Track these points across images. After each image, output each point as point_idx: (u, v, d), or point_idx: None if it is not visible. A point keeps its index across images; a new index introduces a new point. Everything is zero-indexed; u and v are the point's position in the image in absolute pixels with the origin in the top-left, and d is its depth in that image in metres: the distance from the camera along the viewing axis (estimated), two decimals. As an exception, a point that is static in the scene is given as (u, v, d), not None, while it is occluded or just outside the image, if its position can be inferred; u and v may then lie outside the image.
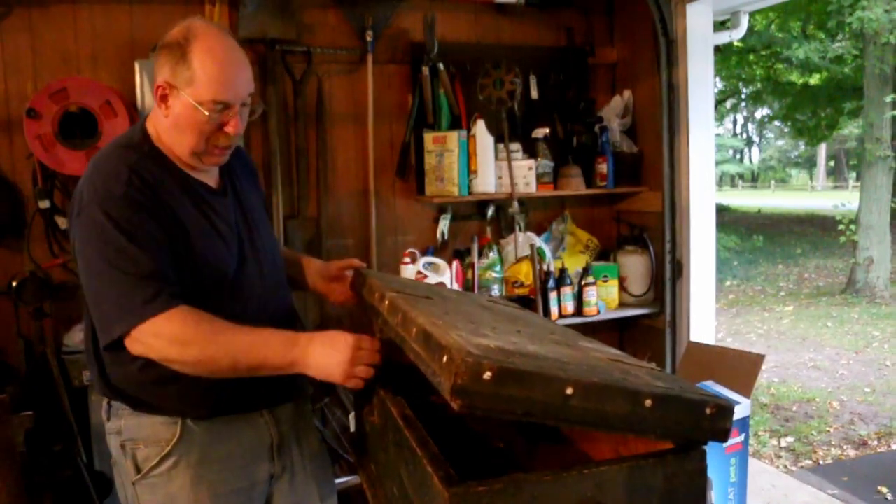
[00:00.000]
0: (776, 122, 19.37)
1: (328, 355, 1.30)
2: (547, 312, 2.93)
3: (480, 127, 2.92)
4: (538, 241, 3.09)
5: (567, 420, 0.88)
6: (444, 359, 0.86)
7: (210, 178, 1.47)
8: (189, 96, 1.32)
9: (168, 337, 1.26)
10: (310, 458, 1.61)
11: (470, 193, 2.93)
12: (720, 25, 3.31)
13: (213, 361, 1.28)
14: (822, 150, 27.30)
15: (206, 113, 1.33)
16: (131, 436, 1.41)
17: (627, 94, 3.27)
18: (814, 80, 11.62)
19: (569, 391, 0.86)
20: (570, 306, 3.02)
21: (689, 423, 0.94)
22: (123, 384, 1.39)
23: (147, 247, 1.28)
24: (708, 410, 0.94)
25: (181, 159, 1.41)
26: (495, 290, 2.94)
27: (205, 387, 1.36)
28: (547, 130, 3.14)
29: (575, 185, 3.14)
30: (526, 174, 3.02)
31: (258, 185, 1.69)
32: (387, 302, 1.26)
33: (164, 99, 1.36)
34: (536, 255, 2.90)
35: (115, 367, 1.38)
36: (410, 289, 1.47)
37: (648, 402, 0.90)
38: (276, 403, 1.53)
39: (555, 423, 0.88)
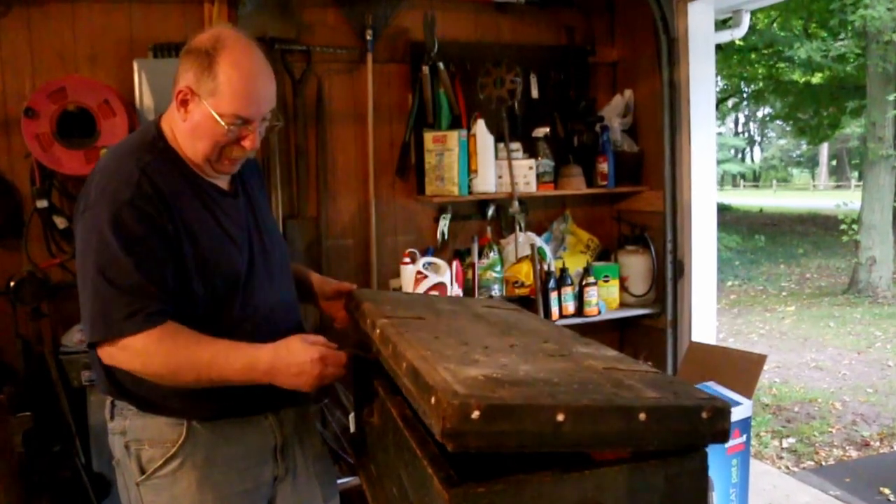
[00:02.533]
0: (778, 122, 19.35)
1: (293, 374, 1.32)
2: (548, 312, 2.92)
3: (480, 126, 2.91)
4: (539, 241, 3.08)
5: (563, 446, 0.87)
6: (432, 400, 0.86)
7: (222, 180, 1.47)
8: (210, 107, 1.32)
9: (135, 352, 1.27)
10: (313, 459, 1.61)
11: (470, 193, 2.92)
12: (721, 24, 3.30)
13: (175, 375, 1.30)
14: (824, 149, 27.27)
15: (226, 126, 1.33)
16: (136, 436, 1.40)
17: (628, 93, 3.26)
18: (816, 78, 11.60)
19: (560, 418, 0.85)
20: (570, 306, 3.01)
21: (686, 431, 0.93)
22: (129, 384, 1.38)
23: (142, 260, 1.27)
24: (704, 415, 0.93)
25: (194, 161, 1.41)
26: (496, 290, 2.93)
27: (211, 389, 1.36)
28: (547, 130, 3.13)
29: (575, 185, 3.13)
30: (526, 174, 3.01)
31: (264, 187, 1.68)
32: (378, 331, 1.25)
33: (184, 104, 1.35)
34: (537, 255, 2.89)
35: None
36: (403, 307, 1.45)
37: (643, 416, 0.89)
38: (280, 406, 1.52)
39: (551, 450, 0.88)
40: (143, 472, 1.39)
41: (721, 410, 0.94)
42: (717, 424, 0.94)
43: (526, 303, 2.90)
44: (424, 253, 2.98)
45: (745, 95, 14.95)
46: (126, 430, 1.41)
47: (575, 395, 0.89)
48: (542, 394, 0.88)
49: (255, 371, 1.31)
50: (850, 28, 9.07)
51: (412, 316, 1.35)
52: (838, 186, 27.43)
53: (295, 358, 1.32)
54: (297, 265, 1.77)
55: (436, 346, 1.08)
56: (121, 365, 1.30)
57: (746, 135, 32.92)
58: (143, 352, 1.27)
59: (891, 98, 8.68)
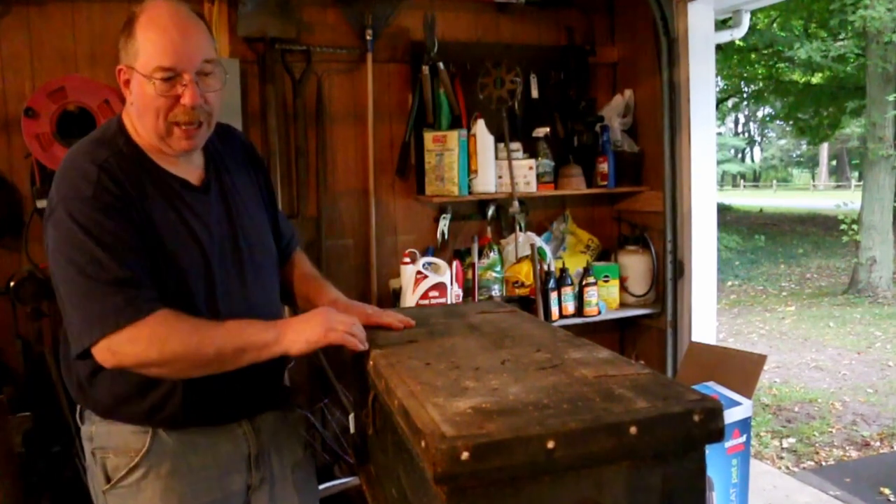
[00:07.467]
0: (778, 122, 19.36)
1: (305, 325, 1.31)
2: (548, 313, 2.92)
3: (481, 126, 2.91)
4: (539, 241, 3.08)
5: (557, 471, 0.88)
6: (422, 444, 0.87)
7: (191, 173, 1.39)
8: (139, 71, 1.26)
9: (146, 339, 1.20)
10: (292, 467, 1.55)
11: (470, 193, 2.92)
12: (721, 24, 3.30)
13: (196, 353, 1.23)
14: (824, 149, 27.29)
15: (154, 83, 1.25)
16: (101, 443, 1.37)
17: (628, 93, 3.25)
18: (816, 79, 11.61)
19: (550, 445, 0.86)
20: (570, 306, 3.01)
21: (680, 436, 0.93)
22: (88, 387, 1.35)
23: (117, 252, 1.22)
24: (696, 418, 0.92)
25: (158, 152, 1.34)
26: (496, 291, 2.93)
27: (181, 397, 1.33)
28: (547, 130, 3.13)
29: (575, 185, 3.13)
30: (526, 174, 3.00)
31: (260, 178, 1.57)
32: (371, 363, 1.25)
33: (126, 84, 1.31)
34: (537, 255, 2.89)
35: (92, 372, 1.33)
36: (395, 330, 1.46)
37: (633, 430, 0.89)
38: (256, 413, 1.48)
39: (545, 476, 0.88)
40: (108, 480, 1.35)
41: (712, 411, 0.93)
42: (710, 425, 0.93)
43: (526, 303, 2.90)
44: (424, 253, 2.98)
45: (745, 95, 14.94)
46: (92, 436, 1.38)
47: (564, 418, 0.89)
48: (531, 421, 0.89)
49: (272, 329, 1.29)
50: (850, 28, 9.07)
51: (404, 340, 1.35)
52: (838, 186, 27.42)
53: (307, 314, 1.35)
54: (308, 273, 1.65)
55: (426, 377, 1.09)
56: (130, 361, 1.21)
57: (746, 135, 32.95)
58: (154, 337, 1.20)
59: (891, 98, 8.68)
